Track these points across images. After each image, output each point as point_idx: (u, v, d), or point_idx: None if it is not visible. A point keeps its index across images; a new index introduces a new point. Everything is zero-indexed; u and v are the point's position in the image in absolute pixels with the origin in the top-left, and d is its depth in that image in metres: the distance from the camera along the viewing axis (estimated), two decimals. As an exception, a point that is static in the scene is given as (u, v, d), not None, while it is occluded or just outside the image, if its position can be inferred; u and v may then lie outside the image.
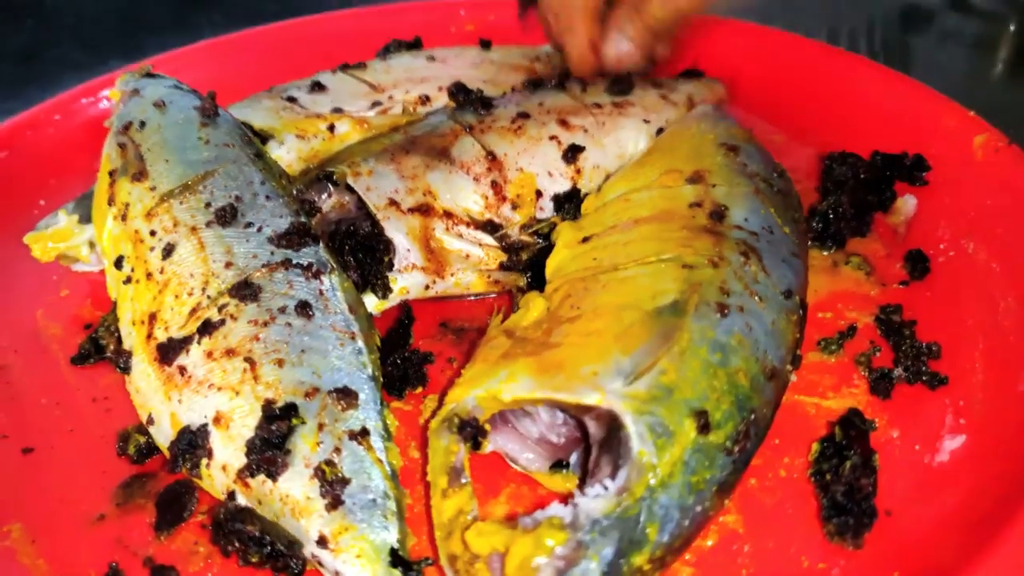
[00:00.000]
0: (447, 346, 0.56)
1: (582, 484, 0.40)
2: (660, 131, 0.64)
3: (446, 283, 0.55)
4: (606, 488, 0.37)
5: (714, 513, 0.40)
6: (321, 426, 0.43)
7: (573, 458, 0.43)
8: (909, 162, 0.64)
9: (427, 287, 0.55)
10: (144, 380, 0.49)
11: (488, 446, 0.44)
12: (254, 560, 0.41)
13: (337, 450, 0.42)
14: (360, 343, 0.48)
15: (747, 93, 0.76)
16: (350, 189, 0.56)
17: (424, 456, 0.48)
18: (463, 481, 0.41)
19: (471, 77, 0.68)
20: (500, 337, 0.45)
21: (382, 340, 0.51)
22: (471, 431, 0.41)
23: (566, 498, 0.39)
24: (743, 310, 0.44)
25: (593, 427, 0.40)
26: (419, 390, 0.52)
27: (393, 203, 0.55)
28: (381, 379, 0.48)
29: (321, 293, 0.49)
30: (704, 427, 0.39)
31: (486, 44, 0.76)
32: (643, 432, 0.38)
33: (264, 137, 0.62)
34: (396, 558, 0.40)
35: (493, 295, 0.58)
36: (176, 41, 0.88)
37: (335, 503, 0.41)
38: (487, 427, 0.42)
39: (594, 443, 0.40)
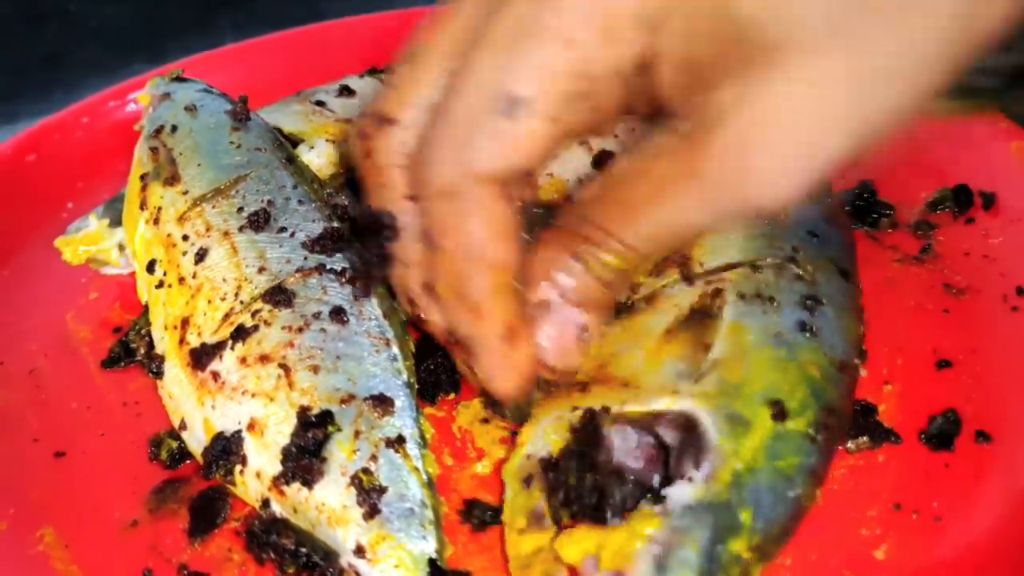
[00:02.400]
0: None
1: (666, 484, 0.40)
2: (690, 136, 0.64)
3: None
4: (691, 479, 0.37)
5: (808, 503, 0.39)
6: (357, 433, 0.43)
7: (655, 480, 0.43)
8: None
9: None
10: (177, 385, 0.48)
11: None
12: (290, 571, 0.41)
13: (374, 458, 0.42)
14: (395, 349, 0.48)
15: None
16: None
17: (457, 463, 0.48)
18: (545, 525, 0.40)
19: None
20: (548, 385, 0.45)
21: (415, 346, 0.51)
22: (553, 476, 0.41)
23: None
24: (804, 305, 0.43)
25: (669, 435, 0.40)
26: (451, 396, 0.52)
27: None
28: (416, 385, 0.47)
29: (355, 298, 0.49)
30: (780, 414, 0.39)
31: None
32: (719, 423, 0.38)
33: (294, 141, 0.62)
34: (434, 568, 0.39)
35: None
36: (199, 44, 0.88)
37: (372, 512, 0.40)
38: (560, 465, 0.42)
39: (672, 449, 0.40)
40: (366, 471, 0.41)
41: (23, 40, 1.12)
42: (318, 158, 0.62)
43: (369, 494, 0.41)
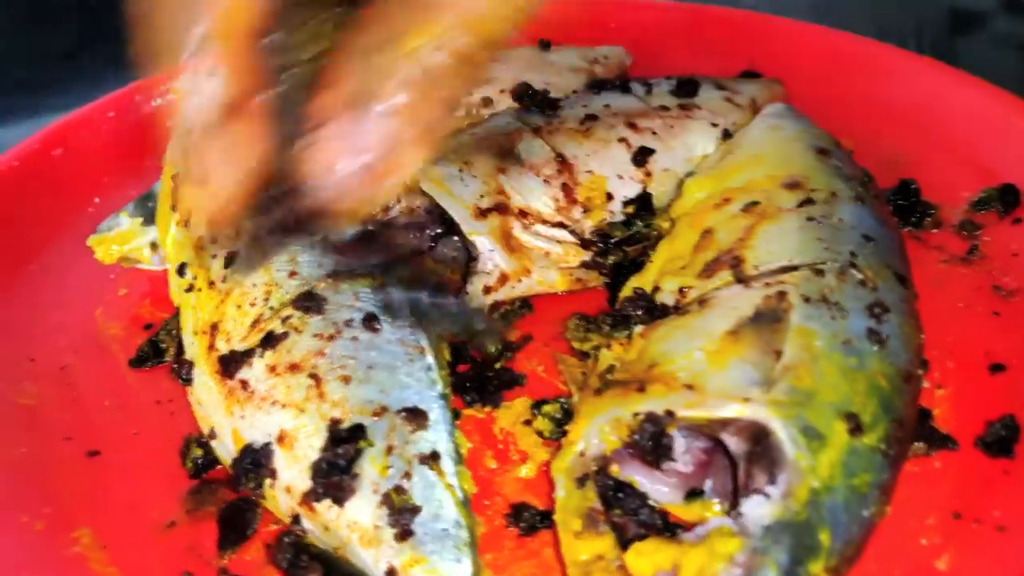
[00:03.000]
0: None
1: (735, 501, 0.39)
2: (726, 133, 0.63)
3: (531, 281, 0.54)
4: (768, 495, 0.36)
5: (879, 520, 0.38)
6: (390, 448, 0.42)
7: (708, 485, 0.42)
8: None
9: (512, 287, 0.54)
10: (206, 392, 0.47)
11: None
12: None
13: (407, 475, 0.41)
14: (429, 358, 0.46)
15: (804, 95, 0.71)
16: (420, 193, 0.54)
17: (501, 466, 0.47)
18: (600, 529, 0.39)
19: (532, 79, 0.66)
20: (599, 382, 0.45)
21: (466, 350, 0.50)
22: (606, 479, 0.40)
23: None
24: (870, 312, 0.42)
25: (734, 442, 0.39)
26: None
27: (469, 204, 0.54)
28: (450, 395, 0.46)
29: (388, 305, 0.48)
30: (856, 429, 0.38)
31: (545, 44, 0.74)
32: (795, 436, 0.37)
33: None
34: None
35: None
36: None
37: (405, 533, 0.39)
38: (615, 468, 0.41)
39: (739, 458, 0.39)
40: (399, 489, 0.40)
41: (45, 34, 1.12)
42: None
43: (402, 514, 0.39)
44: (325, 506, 0.40)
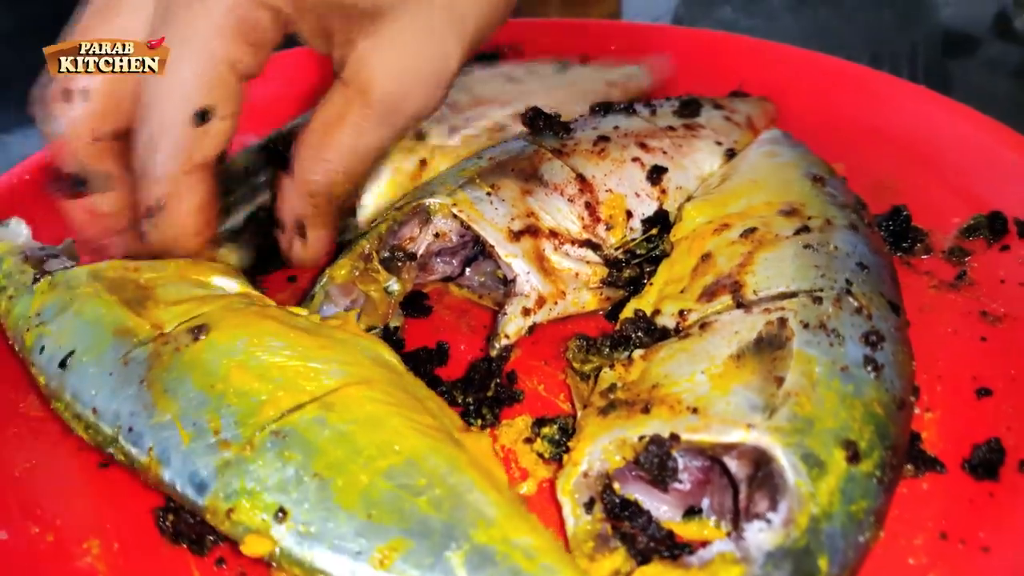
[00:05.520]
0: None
1: (736, 522, 0.40)
2: (730, 152, 0.65)
3: (565, 303, 0.56)
4: (769, 521, 0.37)
5: (874, 543, 0.40)
6: None
7: (705, 503, 0.43)
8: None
9: (550, 309, 0.56)
10: None
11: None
12: None
13: None
14: None
15: (797, 120, 0.73)
16: (451, 218, 0.56)
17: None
18: (612, 545, 0.40)
19: (547, 102, 0.67)
20: (602, 401, 0.45)
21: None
22: (612, 497, 0.41)
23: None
24: (866, 340, 0.44)
25: (735, 466, 0.40)
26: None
27: (502, 228, 0.55)
28: None
29: None
30: (854, 457, 0.39)
31: (563, 65, 0.76)
32: (796, 463, 0.38)
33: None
34: None
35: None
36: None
37: None
38: (617, 487, 0.42)
39: (740, 482, 0.40)
40: None
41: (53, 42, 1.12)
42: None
43: None
44: None
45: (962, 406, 0.50)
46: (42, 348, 0.48)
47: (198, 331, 0.45)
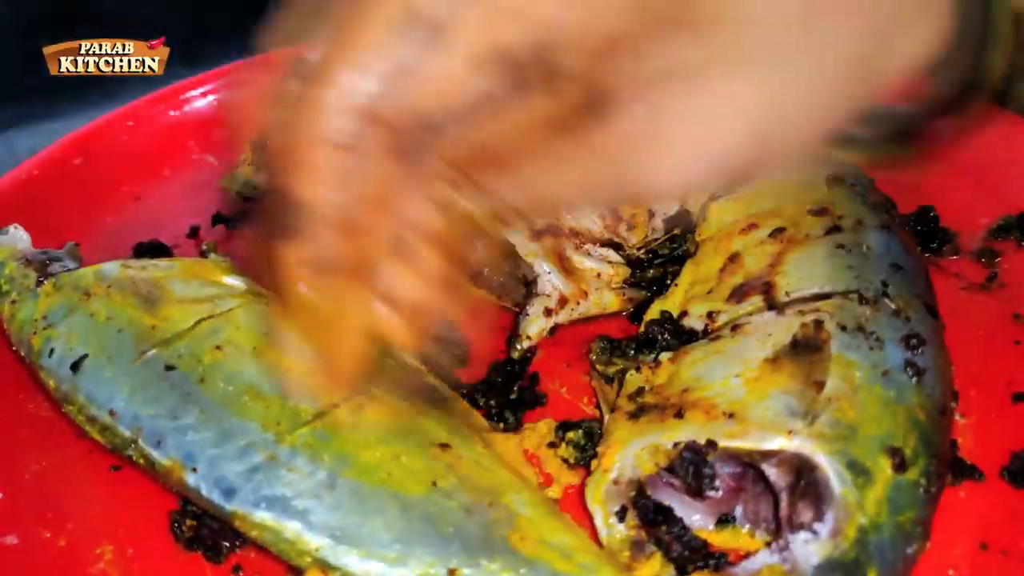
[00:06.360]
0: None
1: (775, 532, 0.38)
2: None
3: (587, 304, 0.55)
4: (816, 532, 0.36)
5: (920, 555, 0.38)
6: None
7: (738, 511, 0.42)
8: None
9: (572, 310, 0.54)
10: None
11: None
12: None
13: None
14: None
15: None
16: None
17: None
18: (648, 551, 0.39)
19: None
20: (631, 405, 0.44)
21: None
22: (646, 502, 0.40)
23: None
24: (907, 343, 0.42)
25: (774, 473, 0.39)
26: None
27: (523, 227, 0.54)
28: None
29: None
30: (900, 465, 0.38)
31: None
32: (841, 472, 0.37)
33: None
34: None
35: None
36: (240, 49, 0.87)
37: None
38: (648, 491, 0.41)
39: (781, 490, 0.39)
40: None
41: (58, 42, 1.11)
42: None
43: None
44: None
45: (998, 411, 0.49)
46: (51, 351, 0.47)
47: (219, 330, 0.43)
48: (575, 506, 0.44)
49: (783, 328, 0.43)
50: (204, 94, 0.78)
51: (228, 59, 0.85)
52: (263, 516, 0.39)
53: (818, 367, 0.40)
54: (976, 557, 0.42)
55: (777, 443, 0.38)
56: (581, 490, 0.44)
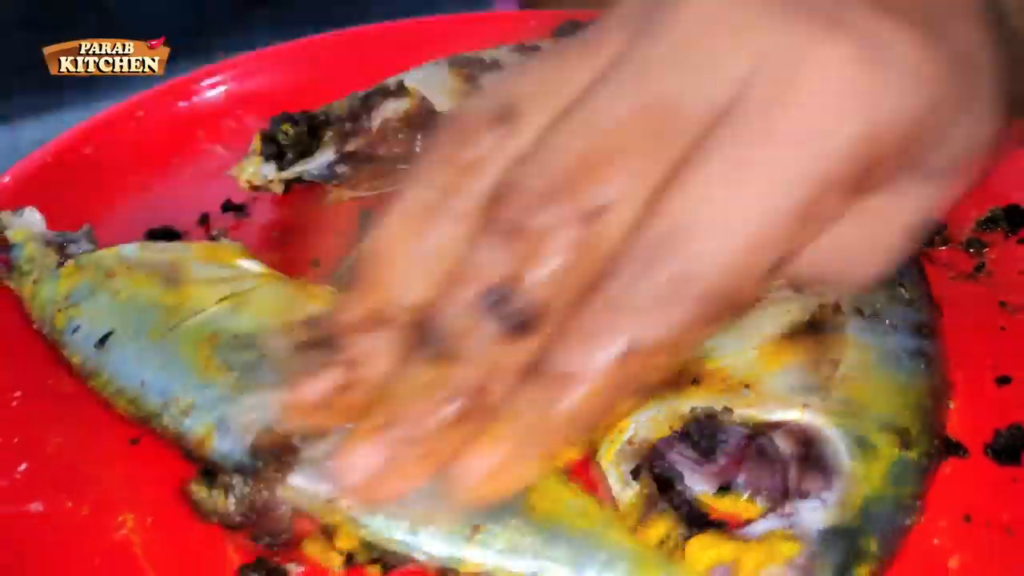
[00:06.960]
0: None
1: (779, 499, 0.40)
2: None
3: None
4: (823, 501, 0.38)
5: (912, 527, 0.41)
6: None
7: (740, 479, 0.43)
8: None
9: None
10: None
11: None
12: None
13: None
14: None
15: None
16: None
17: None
18: (660, 508, 0.41)
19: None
20: None
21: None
22: (661, 463, 0.42)
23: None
24: (918, 331, 0.45)
25: (783, 443, 0.41)
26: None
27: None
28: None
29: None
30: (906, 444, 0.40)
31: None
32: (851, 446, 0.39)
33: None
34: None
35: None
36: (243, 41, 0.88)
37: None
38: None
39: (789, 460, 0.41)
40: None
41: (62, 35, 1.12)
42: None
43: None
44: None
45: (982, 393, 0.51)
46: (75, 328, 0.49)
47: (241, 305, 0.45)
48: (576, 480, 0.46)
49: (801, 306, 0.46)
50: (213, 85, 0.80)
51: (230, 55, 0.86)
52: (296, 479, 0.40)
53: (834, 347, 0.43)
54: (960, 528, 0.44)
55: (793, 415, 0.40)
56: (583, 465, 0.45)
